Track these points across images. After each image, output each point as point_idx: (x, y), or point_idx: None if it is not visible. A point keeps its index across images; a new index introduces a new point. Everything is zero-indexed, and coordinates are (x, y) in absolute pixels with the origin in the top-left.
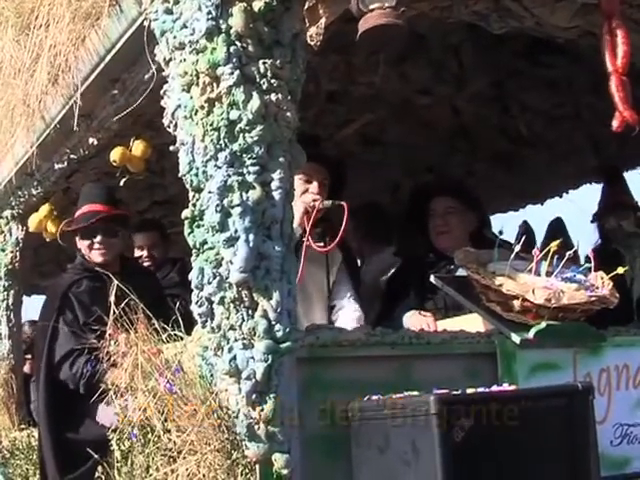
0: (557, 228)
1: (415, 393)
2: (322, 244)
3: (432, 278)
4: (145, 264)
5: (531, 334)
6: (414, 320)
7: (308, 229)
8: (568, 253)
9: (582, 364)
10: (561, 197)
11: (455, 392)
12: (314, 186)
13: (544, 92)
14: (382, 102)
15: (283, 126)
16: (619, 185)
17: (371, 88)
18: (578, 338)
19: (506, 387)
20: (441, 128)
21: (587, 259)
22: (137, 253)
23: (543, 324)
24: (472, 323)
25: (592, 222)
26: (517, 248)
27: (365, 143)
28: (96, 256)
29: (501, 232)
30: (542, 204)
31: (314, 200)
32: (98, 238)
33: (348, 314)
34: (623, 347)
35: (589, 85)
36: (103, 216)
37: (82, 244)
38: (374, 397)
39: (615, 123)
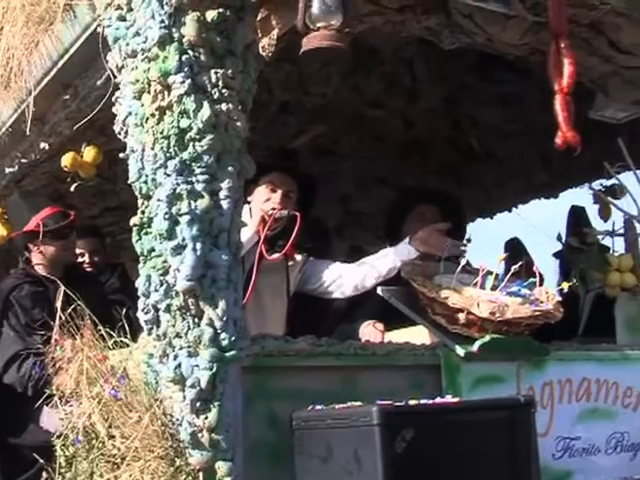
0: (515, 248)
1: (358, 403)
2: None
3: (379, 290)
4: (87, 270)
5: (475, 347)
6: (366, 331)
7: (263, 236)
8: (513, 267)
9: (525, 377)
10: (510, 211)
11: (398, 403)
12: (277, 196)
13: (495, 107)
14: (334, 113)
15: (233, 136)
16: None
17: (323, 99)
18: (522, 352)
19: (449, 399)
20: (393, 140)
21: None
22: (78, 259)
23: (487, 337)
24: (418, 335)
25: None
26: (463, 262)
27: (317, 154)
28: (69, 255)
29: (469, 240)
30: (492, 218)
31: (272, 209)
32: (71, 238)
33: (349, 272)
34: (566, 361)
35: (539, 101)
36: (74, 217)
37: (50, 246)
38: (318, 407)
39: (558, 142)
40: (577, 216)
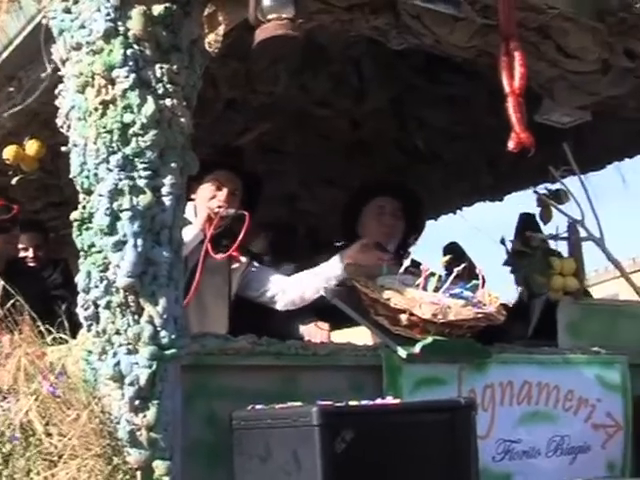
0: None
1: (299, 404)
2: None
3: (322, 290)
4: (30, 265)
5: (417, 348)
6: (309, 331)
7: (209, 235)
8: (456, 269)
9: (467, 380)
10: (455, 213)
11: (339, 404)
12: (223, 194)
13: (442, 109)
14: (281, 112)
15: (177, 132)
16: None
17: (270, 97)
18: (463, 354)
19: (390, 400)
20: (339, 140)
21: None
22: (22, 254)
23: (429, 339)
24: (362, 335)
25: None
26: (406, 263)
27: (262, 152)
28: (10, 249)
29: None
30: (436, 219)
31: (218, 207)
32: (14, 232)
33: (291, 287)
34: (508, 364)
35: (486, 104)
36: (17, 210)
37: None
38: (258, 406)
39: (511, 144)
40: (526, 222)
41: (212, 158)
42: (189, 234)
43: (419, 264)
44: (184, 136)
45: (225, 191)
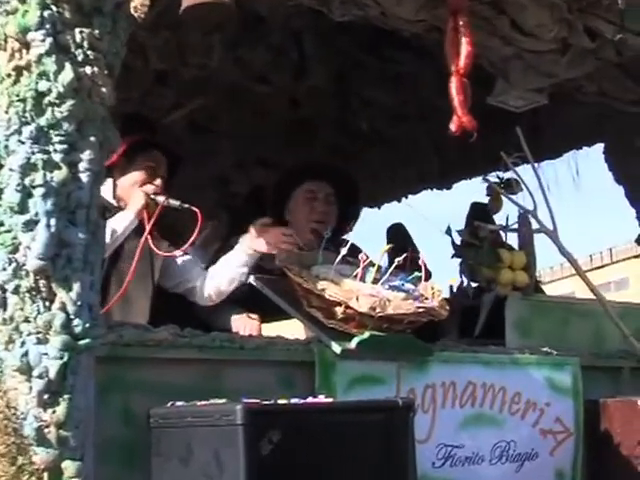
0: (398, 235)
1: (222, 401)
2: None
3: (251, 279)
4: None
5: (353, 344)
6: (238, 323)
7: (149, 226)
8: (397, 260)
9: (406, 379)
10: (399, 202)
11: (266, 402)
12: (158, 180)
13: (388, 88)
14: (215, 87)
15: (97, 103)
16: None
17: (203, 71)
18: (403, 351)
19: (322, 399)
20: (278, 119)
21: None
22: None
23: (366, 334)
24: (294, 329)
25: None
26: (343, 251)
27: (194, 130)
28: None
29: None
30: (379, 208)
31: (156, 193)
32: None
33: (204, 279)
34: (450, 363)
35: (435, 84)
36: None
37: None
38: (178, 403)
39: (453, 127)
40: (476, 212)
41: (145, 136)
42: (124, 221)
43: (359, 250)
44: (105, 107)
45: (160, 174)
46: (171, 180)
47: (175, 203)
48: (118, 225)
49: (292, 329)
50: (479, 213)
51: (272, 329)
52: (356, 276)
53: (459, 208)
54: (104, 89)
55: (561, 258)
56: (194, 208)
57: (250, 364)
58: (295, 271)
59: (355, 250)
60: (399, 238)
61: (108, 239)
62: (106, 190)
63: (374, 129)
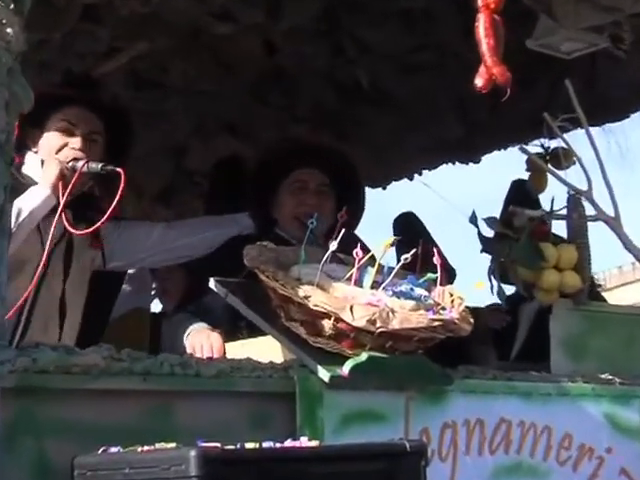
0: (408, 227)
1: (172, 445)
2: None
3: (212, 283)
4: None
5: (346, 369)
6: (195, 340)
7: (63, 201)
8: (404, 257)
9: (418, 415)
10: (411, 179)
11: (230, 446)
12: (77, 140)
13: (393, 29)
14: (163, 27)
15: (2, 48)
16: None
17: (147, 5)
18: (413, 378)
19: (305, 442)
20: (247, 71)
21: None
22: None
23: (363, 355)
24: (268, 349)
25: None
26: (333, 246)
27: (136, 86)
28: None
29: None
30: (384, 188)
31: (75, 159)
32: None
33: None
34: (477, 395)
35: (456, 23)
36: None
37: None
38: (113, 449)
39: (479, 81)
40: (517, 193)
41: (59, 91)
42: (35, 197)
43: (354, 243)
44: (12, 55)
45: (79, 135)
46: (122, 143)
47: (95, 167)
48: (26, 204)
49: (265, 349)
50: (519, 194)
51: (239, 349)
52: (350, 279)
53: (492, 189)
54: (10, 29)
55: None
56: (118, 169)
57: (209, 396)
58: (269, 273)
59: (349, 244)
60: (410, 232)
61: (13, 223)
62: (33, 168)
63: (376, 84)
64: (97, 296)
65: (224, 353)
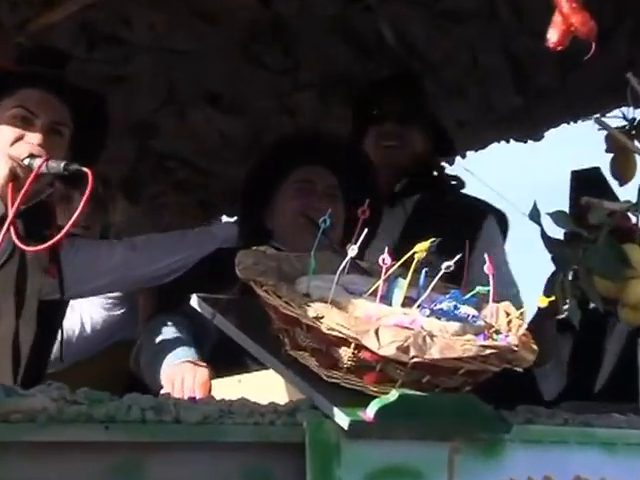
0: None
1: None
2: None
3: (193, 299)
4: None
5: (370, 412)
6: (174, 372)
7: (14, 209)
8: (445, 264)
9: (465, 473)
10: (451, 164)
11: None
12: (35, 132)
13: None
14: None
15: None
16: None
17: None
18: (459, 424)
19: None
20: (235, 24)
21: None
22: None
23: (393, 394)
24: (268, 386)
25: None
26: (352, 251)
27: (90, 43)
28: None
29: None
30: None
31: (32, 155)
32: None
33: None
34: (544, 445)
35: None
36: None
37: None
38: None
39: (553, 34)
40: (586, 182)
41: (11, 67)
42: None
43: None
44: None
45: (38, 126)
46: (89, 138)
47: (57, 166)
48: None
49: (265, 387)
50: (589, 183)
51: (234, 387)
52: (375, 294)
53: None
54: None
55: None
56: (84, 168)
57: (192, 450)
58: (270, 287)
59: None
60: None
61: None
62: None
63: (403, 38)
64: (44, 331)
65: (209, 392)
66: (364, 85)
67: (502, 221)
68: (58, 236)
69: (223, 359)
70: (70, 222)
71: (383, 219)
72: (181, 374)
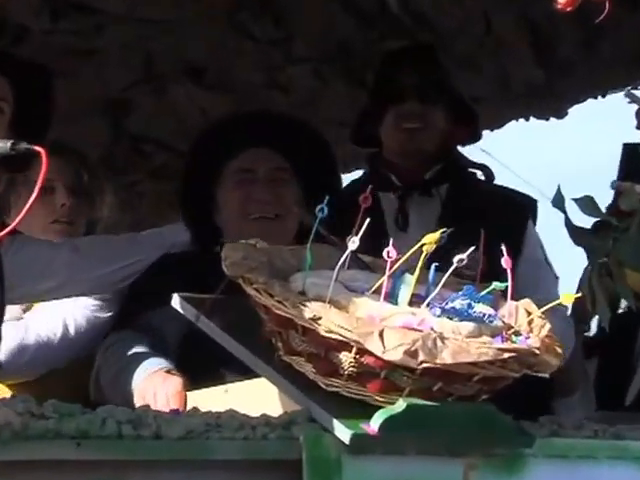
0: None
1: None
2: None
3: (174, 299)
4: None
5: (374, 424)
6: (148, 385)
7: None
8: (457, 258)
9: None
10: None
11: None
12: None
13: None
14: None
15: None
16: None
17: None
18: (474, 436)
19: None
20: None
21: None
22: None
23: (400, 404)
24: (259, 397)
25: None
26: (353, 244)
27: (55, 13)
28: None
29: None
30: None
31: None
32: None
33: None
34: (570, 460)
35: None
36: None
37: None
38: None
39: None
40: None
41: None
42: None
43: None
44: None
45: None
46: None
47: (3, 146)
48: None
49: (256, 397)
50: (632, 163)
51: (220, 398)
52: (379, 291)
53: (584, 155)
54: None
55: None
56: (37, 147)
57: (174, 468)
58: (260, 284)
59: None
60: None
61: None
62: None
63: (408, 5)
64: None
65: (184, 404)
66: (372, 59)
67: (535, 211)
68: (7, 229)
69: (191, 370)
70: (18, 218)
71: (417, 210)
72: (152, 388)
